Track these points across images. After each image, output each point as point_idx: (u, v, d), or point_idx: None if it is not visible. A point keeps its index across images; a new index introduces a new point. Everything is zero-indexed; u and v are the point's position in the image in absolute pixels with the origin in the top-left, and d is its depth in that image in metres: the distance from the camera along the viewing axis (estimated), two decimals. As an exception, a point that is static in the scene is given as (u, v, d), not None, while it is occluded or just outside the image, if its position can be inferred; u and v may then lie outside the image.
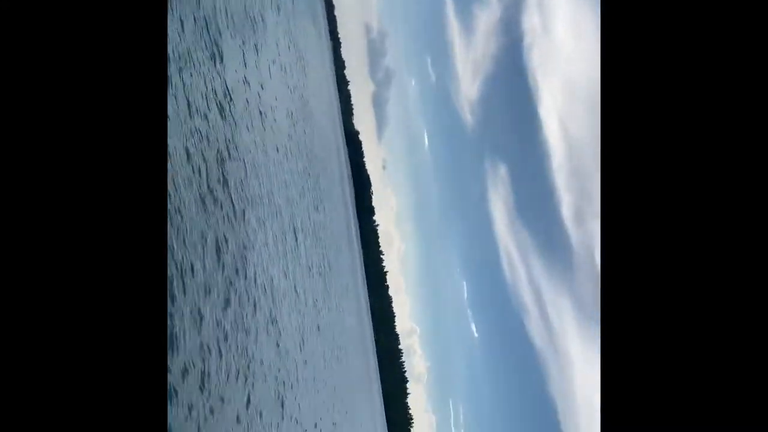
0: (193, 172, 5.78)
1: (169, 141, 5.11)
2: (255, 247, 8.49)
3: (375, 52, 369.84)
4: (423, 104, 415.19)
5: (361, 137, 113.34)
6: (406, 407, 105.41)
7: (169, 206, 4.92)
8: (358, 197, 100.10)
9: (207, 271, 5.76)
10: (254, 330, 7.69)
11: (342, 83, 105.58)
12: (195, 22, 6.65)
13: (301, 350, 11.72)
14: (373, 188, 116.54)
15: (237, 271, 7.10)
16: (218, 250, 6.27)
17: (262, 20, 12.91)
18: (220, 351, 5.89)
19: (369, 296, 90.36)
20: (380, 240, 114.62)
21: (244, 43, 10.05)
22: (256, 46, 11.44)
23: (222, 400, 5.72)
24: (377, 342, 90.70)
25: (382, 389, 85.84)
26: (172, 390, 4.47)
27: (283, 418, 8.88)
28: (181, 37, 5.96)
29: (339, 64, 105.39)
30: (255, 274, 8.24)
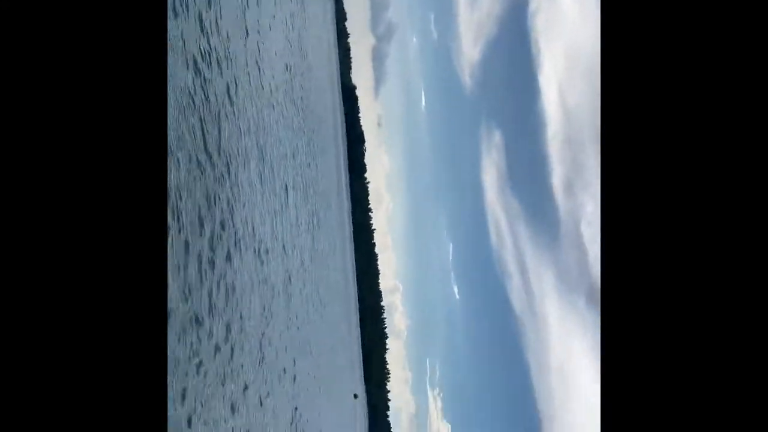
0: (188, 127, 5.76)
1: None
2: (244, 202, 8.54)
3: (377, 5, 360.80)
4: (423, 62, 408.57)
5: (357, 92, 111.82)
6: (384, 362, 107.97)
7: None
8: (350, 153, 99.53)
9: (195, 226, 5.83)
10: (240, 284, 7.83)
11: (342, 36, 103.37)
12: (196, -30, 6.49)
13: (285, 303, 11.94)
14: (367, 145, 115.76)
15: (224, 225, 7.18)
16: (208, 204, 6.32)
17: (265, -32, 12.56)
18: (210, 310, 6.02)
19: (355, 253, 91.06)
20: (370, 198, 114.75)
21: (244, -8, 9.81)
22: (256, -5, 11.18)
23: (213, 357, 5.89)
24: (360, 298, 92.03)
25: (362, 344, 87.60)
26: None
27: (261, 365, 9.14)
28: (180, -13, 5.83)
29: (340, 16, 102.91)
30: (244, 228, 8.32)
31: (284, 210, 12.85)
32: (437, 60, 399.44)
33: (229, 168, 7.56)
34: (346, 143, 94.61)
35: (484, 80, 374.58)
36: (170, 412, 4.69)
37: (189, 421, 5.18)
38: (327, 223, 29.07)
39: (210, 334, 6.13)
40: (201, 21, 6.59)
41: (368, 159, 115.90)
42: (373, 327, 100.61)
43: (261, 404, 8.71)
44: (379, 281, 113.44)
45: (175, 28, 5.59)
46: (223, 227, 7.02)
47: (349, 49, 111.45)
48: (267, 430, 8.98)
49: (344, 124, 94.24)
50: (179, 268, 5.24)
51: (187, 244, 5.47)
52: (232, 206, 7.66)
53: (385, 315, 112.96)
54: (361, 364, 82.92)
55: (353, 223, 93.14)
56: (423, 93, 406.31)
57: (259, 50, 10.97)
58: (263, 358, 9.16)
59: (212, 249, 6.43)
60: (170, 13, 5.49)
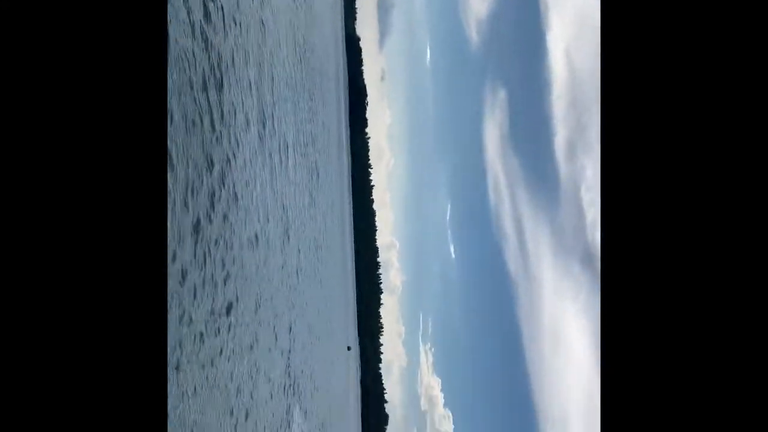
0: (189, 83, 5.77)
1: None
2: (242, 159, 8.59)
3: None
4: (429, 15, 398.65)
5: (361, 44, 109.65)
6: (378, 316, 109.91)
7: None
8: (352, 107, 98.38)
9: (195, 182, 5.91)
10: (238, 241, 7.98)
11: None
12: None
13: (281, 258, 12.14)
14: (369, 99, 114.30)
15: (223, 181, 7.26)
16: (206, 161, 6.39)
17: None
18: (207, 262, 6.18)
19: (353, 209, 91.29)
20: (370, 153, 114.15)
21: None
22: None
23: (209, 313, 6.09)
24: (357, 253, 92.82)
25: (357, 298, 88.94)
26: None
27: (257, 318, 9.40)
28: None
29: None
30: (241, 185, 8.41)
31: (283, 166, 12.89)
32: (444, 14, 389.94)
33: (226, 124, 7.58)
34: (347, 97, 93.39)
35: (491, 37, 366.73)
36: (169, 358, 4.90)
37: (178, 367, 5.42)
38: (326, 179, 29.09)
39: (208, 286, 6.31)
40: (204, -26, 6.50)
41: (370, 113, 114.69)
42: (369, 282, 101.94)
43: (257, 355, 9.01)
44: (376, 237, 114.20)
45: (177, -18, 5.53)
46: (222, 184, 7.11)
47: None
48: (262, 379, 9.32)
49: (347, 77, 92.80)
50: (177, 225, 5.36)
51: (185, 202, 5.58)
52: (230, 163, 7.73)
53: (380, 271, 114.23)
54: (356, 317, 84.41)
55: (352, 178, 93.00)
56: (428, 47, 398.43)
57: (261, 6, 10.78)
58: (258, 309, 9.41)
59: (212, 205, 6.54)
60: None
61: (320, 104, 27.07)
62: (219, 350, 6.70)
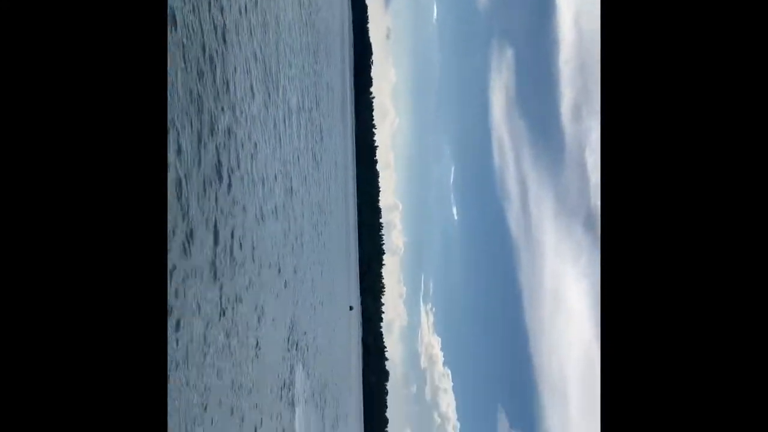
0: (188, 36, 5.78)
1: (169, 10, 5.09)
2: (246, 122, 8.63)
3: None
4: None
5: (367, 1, 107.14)
6: (380, 276, 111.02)
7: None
8: (356, 66, 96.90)
9: (200, 145, 6.00)
10: (241, 203, 8.11)
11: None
12: None
13: (284, 216, 12.29)
14: (374, 58, 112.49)
15: (225, 143, 7.34)
16: (212, 123, 6.45)
17: None
18: (213, 227, 6.32)
19: (357, 169, 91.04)
20: (374, 113, 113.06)
21: None
22: None
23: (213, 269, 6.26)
24: (360, 214, 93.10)
25: (360, 258, 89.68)
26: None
27: (260, 280, 9.62)
28: None
29: None
30: (245, 147, 8.48)
31: (287, 130, 12.90)
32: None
33: (229, 90, 7.60)
34: (353, 55, 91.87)
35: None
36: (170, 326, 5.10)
37: (177, 324, 5.62)
38: (329, 141, 28.98)
39: (208, 244, 6.47)
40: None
41: (375, 72, 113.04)
42: (371, 242, 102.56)
43: (262, 313, 9.25)
44: (379, 198, 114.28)
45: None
46: (224, 146, 7.19)
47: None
48: (265, 338, 9.59)
49: (352, 36, 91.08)
50: (180, 188, 5.47)
51: (186, 171, 5.67)
52: (233, 126, 7.78)
53: (383, 232, 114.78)
54: (358, 277, 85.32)
55: (356, 138, 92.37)
56: (435, 4, 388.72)
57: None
58: (261, 268, 9.61)
59: (218, 171, 6.64)
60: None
61: (325, 65, 26.74)
62: (221, 311, 6.91)
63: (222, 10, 6.94)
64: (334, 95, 36.88)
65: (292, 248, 13.31)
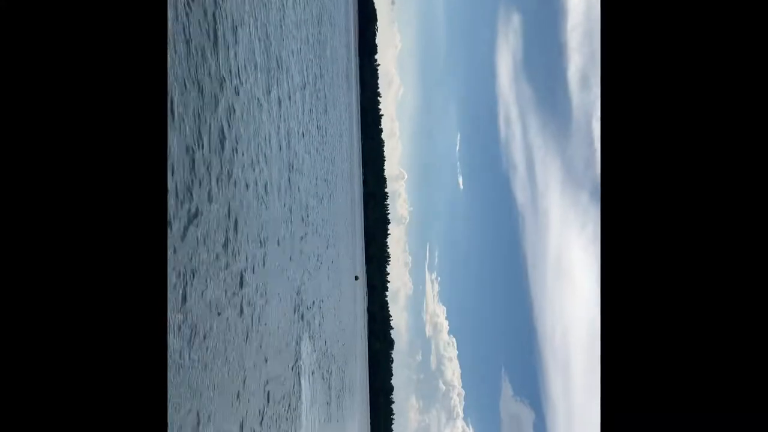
0: (189, 24, 5.62)
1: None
2: (248, 97, 8.48)
3: None
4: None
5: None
6: (385, 246, 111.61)
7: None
8: (361, 32, 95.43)
9: (199, 120, 5.89)
10: (243, 180, 8.03)
11: None
12: None
13: (288, 186, 12.23)
14: (378, 24, 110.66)
15: (229, 118, 7.22)
16: (214, 101, 6.34)
17: None
18: (213, 200, 6.26)
19: (362, 138, 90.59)
20: (379, 81, 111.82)
21: None
22: None
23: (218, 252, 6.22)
24: (365, 183, 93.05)
25: (365, 228, 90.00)
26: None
27: (264, 245, 9.61)
28: None
29: None
30: (248, 122, 8.35)
31: (291, 105, 12.72)
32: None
33: (230, 62, 7.44)
34: (357, 20, 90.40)
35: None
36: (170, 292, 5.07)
37: (185, 298, 5.61)
38: (334, 112, 28.72)
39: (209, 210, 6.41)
40: None
41: (380, 39, 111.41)
42: (376, 212, 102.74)
43: (267, 287, 9.27)
44: (384, 168, 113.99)
45: None
46: (228, 123, 7.07)
47: None
48: (272, 310, 9.63)
49: (356, 0, 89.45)
50: (181, 170, 5.38)
51: (187, 147, 5.57)
52: (235, 102, 7.64)
53: (388, 201, 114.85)
54: (363, 246, 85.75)
55: (360, 107, 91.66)
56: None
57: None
58: (267, 239, 9.59)
59: (220, 142, 6.53)
60: None
61: (328, 34, 26.28)
62: (229, 286, 6.89)
63: (222, -22, 6.73)
64: (338, 64, 36.39)
65: (299, 221, 13.27)
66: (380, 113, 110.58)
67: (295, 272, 12.71)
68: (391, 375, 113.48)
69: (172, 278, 4.90)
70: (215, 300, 6.16)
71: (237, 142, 7.38)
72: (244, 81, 7.85)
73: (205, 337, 5.69)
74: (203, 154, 5.79)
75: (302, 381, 12.64)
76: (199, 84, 5.69)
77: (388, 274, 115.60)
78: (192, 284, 5.40)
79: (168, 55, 4.77)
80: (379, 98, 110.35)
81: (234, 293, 7.03)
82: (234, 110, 7.24)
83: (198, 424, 5.34)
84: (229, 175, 6.94)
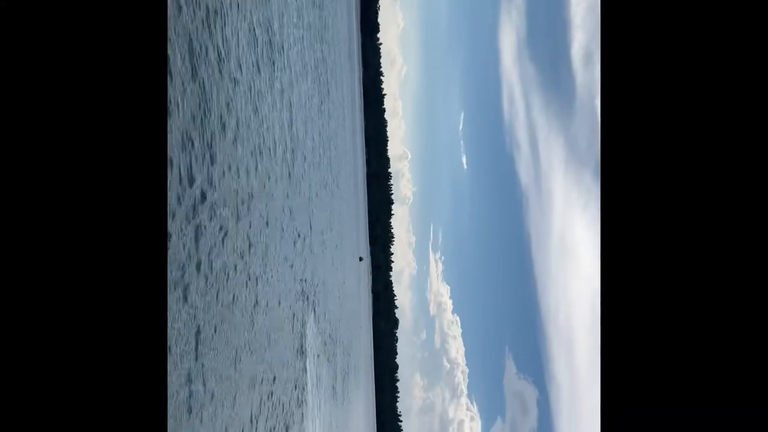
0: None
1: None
2: (250, 80, 8.44)
3: None
4: None
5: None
6: (388, 226, 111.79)
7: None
8: (363, 11, 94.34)
9: (200, 105, 5.87)
10: (244, 161, 8.02)
11: None
12: None
13: (292, 168, 12.23)
14: (380, 2, 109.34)
15: (228, 105, 7.20)
16: (215, 87, 6.31)
17: None
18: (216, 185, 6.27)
19: (364, 118, 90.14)
20: (382, 60, 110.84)
21: None
22: None
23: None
24: (368, 163, 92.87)
25: (369, 208, 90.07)
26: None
27: (267, 225, 9.66)
28: None
29: None
30: (251, 105, 8.32)
31: (293, 78, 12.65)
32: None
33: (231, 48, 7.38)
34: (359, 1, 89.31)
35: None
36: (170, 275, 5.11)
37: (197, 267, 5.66)
38: (337, 94, 28.54)
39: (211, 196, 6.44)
40: None
41: (382, 17, 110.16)
42: (380, 192, 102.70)
43: (272, 269, 9.33)
44: (388, 148, 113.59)
45: None
46: (229, 107, 7.05)
47: None
48: (275, 287, 9.71)
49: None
50: (184, 154, 5.38)
51: (187, 132, 5.56)
52: (236, 84, 7.60)
53: (391, 181, 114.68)
54: (367, 227, 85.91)
55: (363, 86, 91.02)
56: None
57: None
58: (270, 223, 9.62)
59: (223, 127, 6.52)
60: None
61: (330, 15, 26.00)
62: (232, 267, 6.94)
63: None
64: (341, 44, 36.06)
65: (303, 203, 13.29)
66: (383, 93, 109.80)
67: (300, 255, 12.77)
68: (396, 353, 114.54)
69: (172, 266, 4.94)
70: (218, 285, 6.21)
71: (238, 128, 7.37)
72: (243, 62, 7.81)
73: (209, 323, 5.75)
74: (204, 141, 5.78)
75: (307, 363, 12.79)
76: (198, 64, 5.66)
77: (392, 254, 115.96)
78: (194, 271, 5.44)
79: (167, 38, 4.73)
80: (381, 77, 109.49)
81: (237, 277, 7.08)
82: (235, 91, 7.21)
83: (201, 406, 5.42)
84: (231, 160, 6.94)
